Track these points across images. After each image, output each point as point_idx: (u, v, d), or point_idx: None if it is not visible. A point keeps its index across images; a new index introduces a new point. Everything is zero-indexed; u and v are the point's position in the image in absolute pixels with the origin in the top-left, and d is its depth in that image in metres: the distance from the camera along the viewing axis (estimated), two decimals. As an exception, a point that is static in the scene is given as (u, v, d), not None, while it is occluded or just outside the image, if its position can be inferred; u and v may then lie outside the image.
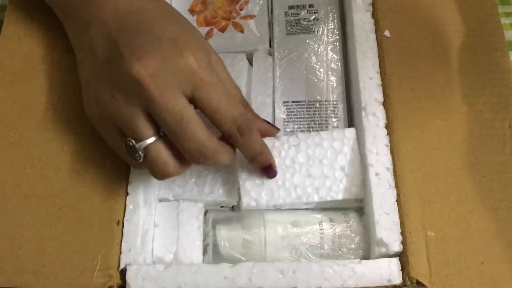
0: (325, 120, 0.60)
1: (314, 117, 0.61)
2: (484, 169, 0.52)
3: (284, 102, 0.61)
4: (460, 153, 0.53)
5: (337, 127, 0.60)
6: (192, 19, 0.65)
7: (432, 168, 0.53)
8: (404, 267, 0.49)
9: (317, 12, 0.65)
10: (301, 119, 0.61)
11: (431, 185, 0.52)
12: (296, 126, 0.60)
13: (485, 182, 0.52)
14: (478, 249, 0.49)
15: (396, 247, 0.50)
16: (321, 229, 0.53)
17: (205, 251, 0.53)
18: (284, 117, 0.61)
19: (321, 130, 0.59)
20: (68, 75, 0.56)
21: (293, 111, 0.61)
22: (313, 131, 0.59)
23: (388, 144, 0.54)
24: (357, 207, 0.55)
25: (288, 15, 0.66)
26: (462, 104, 0.55)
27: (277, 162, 0.54)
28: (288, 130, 0.60)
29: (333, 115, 0.60)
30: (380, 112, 0.55)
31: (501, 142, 0.53)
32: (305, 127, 0.60)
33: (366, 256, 0.53)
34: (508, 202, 0.51)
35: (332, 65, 0.62)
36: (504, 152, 0.53)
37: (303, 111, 0.61)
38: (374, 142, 0.54)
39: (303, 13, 0.65)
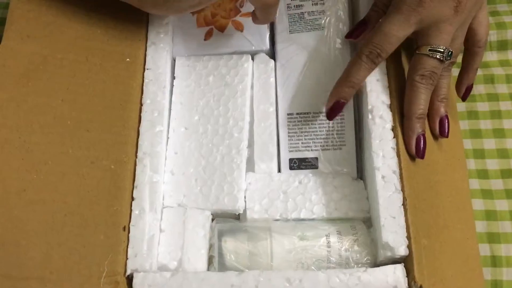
0: (332, 134, 0.59)
1: (320, 132, 0.59)
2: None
3: (288, 114, 0.60)
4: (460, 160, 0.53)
5: (344, 142, 0.59)
6: (192, 19, 0.63)
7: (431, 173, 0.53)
8: (409, 272, 0.50)
9: (323, 3, 0.62)
10: (306, 133, 0.59)
11: (429, 191, 0.52)
12: (300, 142, 0.59)
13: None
14: (469, 257, 0.50)
15: (402, 251, 0.50)
16: (328, 242, 0.52)
17: (210, 262, 0.53)
18: (288, 131, 0.60)
19: (327, 146, 0.59)
20: (72, 77, 0.56)
21: (298, 124, 0.60)
22: (320, 146, 0.59)
23: (395, 146, 0.54)
24: (365, 217, 0.55)
25: (291, 8, 0.62)
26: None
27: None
28: (292, 144, 0.59)
29: (339, 127, 0.59)
30: (387, 114, 0.55)
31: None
32: (309, 144, 0.59)
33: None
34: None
35: (339, 69, 0.58)
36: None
37: (308, 124, 0.59)
38: (381, 145, 0.54)
39: (307, 5, 0.62)
